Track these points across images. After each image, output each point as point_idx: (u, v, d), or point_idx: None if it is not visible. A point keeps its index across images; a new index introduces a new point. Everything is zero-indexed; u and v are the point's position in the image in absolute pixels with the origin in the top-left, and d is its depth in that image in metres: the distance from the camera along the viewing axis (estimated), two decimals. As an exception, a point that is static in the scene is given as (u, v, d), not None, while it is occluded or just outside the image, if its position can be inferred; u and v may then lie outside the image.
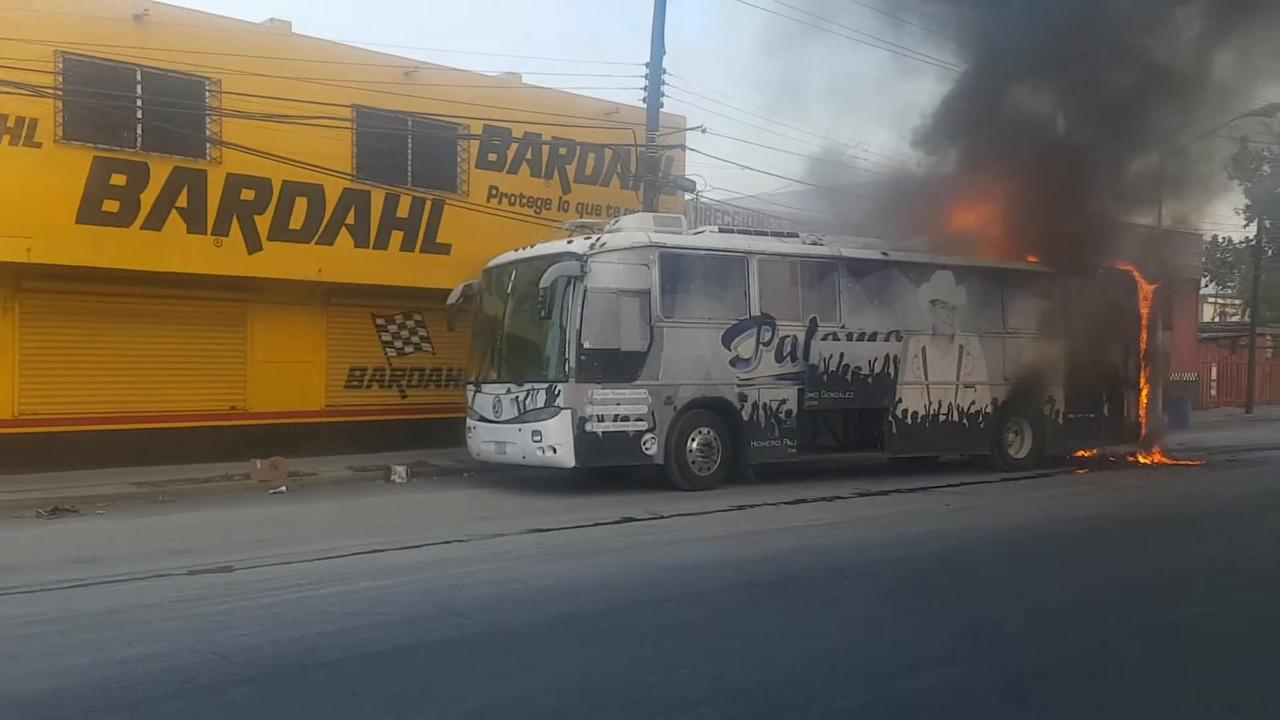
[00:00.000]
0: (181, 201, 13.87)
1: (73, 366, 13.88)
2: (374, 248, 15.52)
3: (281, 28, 14.88)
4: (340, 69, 14.65)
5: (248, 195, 14.34)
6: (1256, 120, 24.20)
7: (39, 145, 12.94)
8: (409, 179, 15.94)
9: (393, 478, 13.87)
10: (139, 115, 13.70)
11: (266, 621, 6.23)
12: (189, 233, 13.93)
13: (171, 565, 7.98)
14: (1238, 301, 43.09)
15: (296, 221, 14.75)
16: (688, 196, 18.07)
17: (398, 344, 16.85)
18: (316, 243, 14.96)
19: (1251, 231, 37.08)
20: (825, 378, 13.72)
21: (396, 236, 15.75)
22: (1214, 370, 35.12)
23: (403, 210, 15.79)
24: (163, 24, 13.47)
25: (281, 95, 13.75)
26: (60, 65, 12.99)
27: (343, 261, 15.16)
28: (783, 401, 13.40)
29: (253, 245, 14.41)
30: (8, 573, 7.79)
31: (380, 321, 16.67)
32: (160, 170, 13.72)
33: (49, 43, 12.68)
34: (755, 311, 13.28)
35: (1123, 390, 16.51)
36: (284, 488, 12.97)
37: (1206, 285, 40.46)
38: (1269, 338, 39.52)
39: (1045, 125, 14.92)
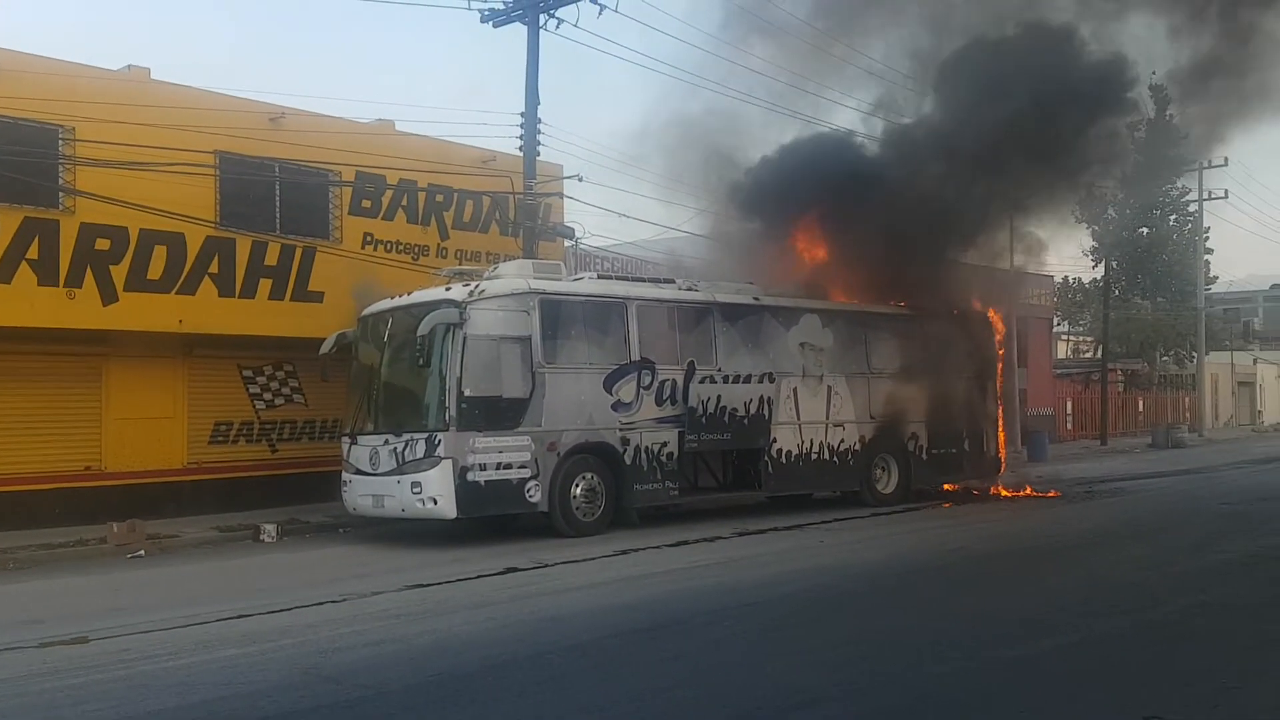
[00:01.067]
0: (32, 253, 13.20)
1: (-87, 428, 13.02)
2: (240, 297, 15.01)
3: (139, 74, 14.39)
4: (202, 115, 14.23)
5: (103, 245, 13.73)
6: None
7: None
8: (278, 226, 15.52)
9: (262, 537, 13.33)
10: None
11: (122, 695, 5.92)
12: (40, 285, 13.24)
13: (21, 637, 7.57)
14: (1090, 339, 45.66)
15: (155, 271, 14.18)
16: (567, 243, 18.16)
17: (267, 396, 16.30)
18: (177, 292, 14.38)
19: (1100, 272, 39.47)
20: (704, 420, 13.93)
21: (265, 285, 15.29)
22: (1069, 404, 37.03)
23: (271, 258, 15.36)
24: (12, 72, 12.88)
25: (139, 142, 13.28)
26: (-98, 116, 12.30)
27: (206, 312, 14.62)
28: (664, 444, 13.53)
29: (108, 297, 13.78)
30: None
31: (248, 373, 16.11)
32: (9, 221, 13.05)
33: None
34: (635, 356, 13.42)
35: (982, 426, 17.26)
36: (143, 551, 12.35)
37: (1059, 324, 42.78)
38: (1120, 373, 41.99)
39: (903, 176, 15.59)
